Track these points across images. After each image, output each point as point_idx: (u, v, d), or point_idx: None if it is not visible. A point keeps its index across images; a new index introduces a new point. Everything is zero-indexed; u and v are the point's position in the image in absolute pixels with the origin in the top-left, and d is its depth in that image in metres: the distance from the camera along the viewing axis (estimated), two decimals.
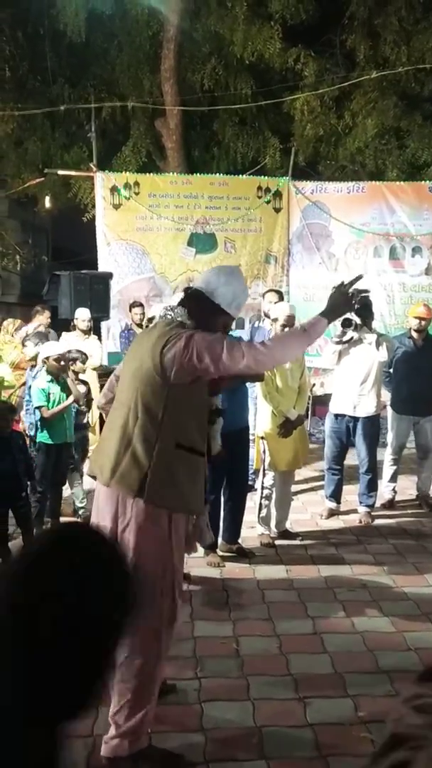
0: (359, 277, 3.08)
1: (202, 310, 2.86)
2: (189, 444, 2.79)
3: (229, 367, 2.68)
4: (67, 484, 5.95)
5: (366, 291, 2.92)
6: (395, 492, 6.56)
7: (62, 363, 5.60)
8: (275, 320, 5.47)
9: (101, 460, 2.83)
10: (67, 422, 5.61)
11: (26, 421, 6.08)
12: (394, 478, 6.56)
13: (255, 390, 6.03)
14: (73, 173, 11.36)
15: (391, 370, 6.44)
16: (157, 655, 2.78)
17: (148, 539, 2.70)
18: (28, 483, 5.22)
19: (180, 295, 3.12)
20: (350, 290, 2.98)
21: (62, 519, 5.77)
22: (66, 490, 5.93)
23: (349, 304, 3.02)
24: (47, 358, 5.61)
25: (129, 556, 2.51)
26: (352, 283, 3.00)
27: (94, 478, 2.92)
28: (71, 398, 5.57)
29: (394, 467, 6.55)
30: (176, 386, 2.71)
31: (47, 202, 13.38)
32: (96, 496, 2.88)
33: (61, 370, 5.59)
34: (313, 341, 2.96)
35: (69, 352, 5.84)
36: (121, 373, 3.04)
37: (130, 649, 2.69)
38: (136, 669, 2.72)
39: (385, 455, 6.58)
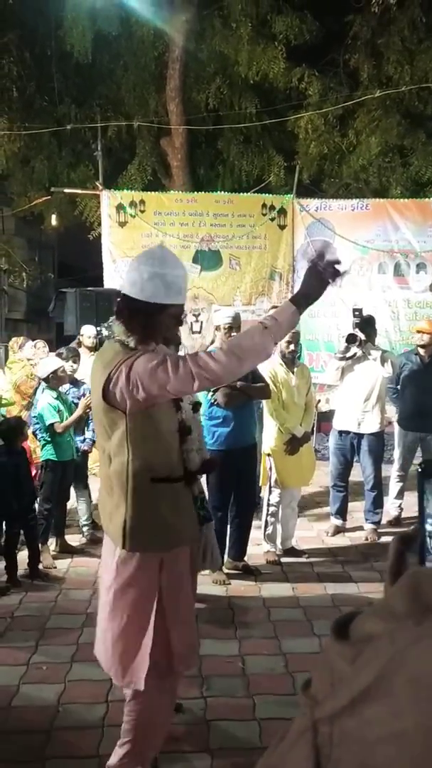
0: (328, 246, 2.79)
1: (139, 317, 2.46)
2: (165, 474, 2.54)
3: (180, 389, 2.38)
4: (74, 500, 5.95)
5: (338, 262, 2.39)
6: (401, 509, 6.54)
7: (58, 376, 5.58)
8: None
9: (100, 508, 2.73)
10: (72, 440, 5.61)
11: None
12: (400, 495, 6.53)
13: (261, 407, 6.04)
14: (79, 191, 11.45)
15: (398, 387, 6.44)
16: (159, 706, 2.68)
17: (137, 593, 2.54)
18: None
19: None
20: (321, 264, 2.43)
21: (67, 537, 5.77)
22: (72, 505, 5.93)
23: (323, 285, 2.43)
24: (47, 375, 5.63)
25: (116, 620, 2.50)
26: (321, 256, 2.44)
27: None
28: (78, 412, 5.55)
29: (401, 484, 6.53)
30: (134, 415, 2.43)
31: (53, 220, 13.51)
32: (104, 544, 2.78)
33: (59, 383, 5.59)
34: (281, 337, 2.52)
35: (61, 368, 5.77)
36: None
37: (130, 694, 2.64)
38: (135, 712, 2.64)
39: (392, 471, 6.56)
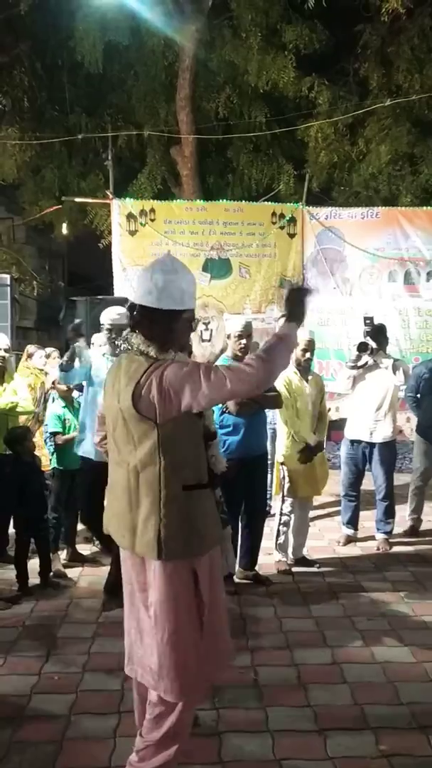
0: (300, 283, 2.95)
1: (157, 326, 2.52)
2: (195, 481, 2.58)
3: (213, 397, 2.42)
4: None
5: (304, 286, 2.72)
6: (420, 520, 6.47)
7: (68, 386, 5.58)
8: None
9: (115, 524, 2.66)
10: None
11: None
12: (419, 507, 6.47)
13: (273, 416, 6.02)
14: (89, 200, 11.49)
15: (419, 395, 6.39)
16: (195, 702, 2.73)
17: (178, 605, 2.54)
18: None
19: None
20: (296, 288, 2.68)
21: (77, 546, 5.77)
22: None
23: (304, 302, 2.63)
24: (53, 382, 5.64)
25: (159, 633, 2.51)
26: (294, 286, 2.74)
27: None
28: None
29: (419, 495, 6.47)
30: (165, 425, 2.47)
31: (64, 229, 13.54)
32: (123, 559, 2.75)
33: (68, 393, 5.59)
34: (293, 349, 2.66)
35: None
36: (106, 421, 2.73)
37: (165, 707, 2.62)
38: (172, 713, 2.62)
39: (411, 482, 6.50)
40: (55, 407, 5.61)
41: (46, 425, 5.68)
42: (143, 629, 2.64)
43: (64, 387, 5.53)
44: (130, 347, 2.58)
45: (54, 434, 5.49)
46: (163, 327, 2.51)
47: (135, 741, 2.74)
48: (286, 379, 5.32)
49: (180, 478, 2.52)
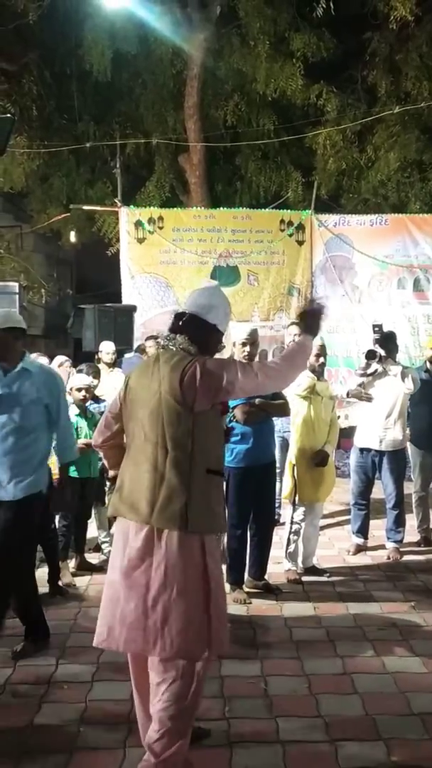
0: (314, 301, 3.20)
1: (203, 334, 2.94)
2: (216, 467, 2.88)
3: (245, 386, 2.82)
4: (93, 518, 5.93)
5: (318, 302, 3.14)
6: (431, 530, 6.41)
7: (83, 394, 5.58)
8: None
9: (132, 499, 2.81)
10: (92, 457, 5.56)
11: None
12: (426, 517, 6.40)
13: (281, 425, 6.01)
14: (97, 208, 11.54)
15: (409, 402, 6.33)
16: (200, 682, 2.77)
17: (187, 569, 2.72)
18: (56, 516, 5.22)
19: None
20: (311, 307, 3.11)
21: (86, 554, 5.75)
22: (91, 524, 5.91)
23: (319, 317, 3.06)
24: (71, 389, 5.63)
25: (168, 591, 2.64)
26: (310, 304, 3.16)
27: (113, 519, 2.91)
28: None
29: (422, 507, 6.40)
30: (199, 414, 2.78)
31: (72, 237, 13.60)
32: (122, 535, 2.83)
33: (83, 401, 5.59)
34: (309, 357, 3.13)
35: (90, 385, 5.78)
36: (130, 411, 2.95)
37: (174, 675, 2.69)
38: (180, 696, 2.69)
39: (413, 493, 6.44)
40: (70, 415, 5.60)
41: None
42: (144, 596, 2.73)
43: (79, 395, 5.53)
44: (173, 345, 2.89)
45: None
46: (205, 336, 2.95)
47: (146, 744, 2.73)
48: (310, 381, 5.27)
49: (206, 461, 2.80)
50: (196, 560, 2.75)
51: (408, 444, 6.43)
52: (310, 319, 3.06)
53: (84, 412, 5.61)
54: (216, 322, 2.97)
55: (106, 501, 6.12)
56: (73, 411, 5.56)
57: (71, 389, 5.63)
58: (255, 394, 2.97)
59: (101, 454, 3.29)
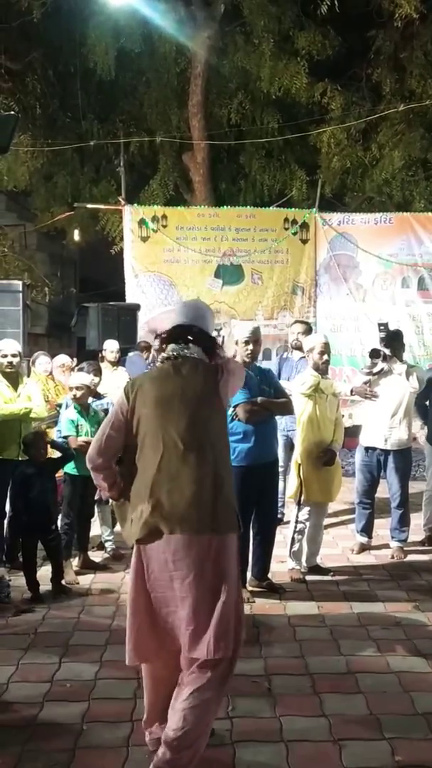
0: None
1: (210, 344, 3.11)
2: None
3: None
4: (96, 517, 5.92)
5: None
6: None
7: (81, 393, 5.57)
8: (311, 350, 5.37)
9: (179, 512, 2.77)
10: None
11: None
12: None
13: (285, 423, 5.99)
14: (101, 207, 11.54)
15: (427, 402, 6.30)
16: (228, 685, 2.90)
17: (232, 569, 2.85)
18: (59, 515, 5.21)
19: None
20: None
21: (90, 552, 5.75)
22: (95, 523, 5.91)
23: None
24: (71, 388, 5.63)
25: (228, 593, 2.78)
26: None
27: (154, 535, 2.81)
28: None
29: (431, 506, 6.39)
30: (223, 409, 3.04)
31: (76, 235, 13.60)
32: (159, 554, 2.80)
33: (82, 400, 5.57)
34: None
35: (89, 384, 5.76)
36: (154, 425, 2.87)
37: (213, 674, 2.76)
38: (212, 695, 2.79)
39: (425, 491, 6.42)
40: (69, 412, 5.59)
41: (59, 430, 5.67)
42: (209, 606, 2.78)
43: (79, 394, 5.52)
44: (188, 354, 3.02)
45: (67, 437, 5.47)
46: (212, 345, 3.13)
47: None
48: (314, 378, 5.26)
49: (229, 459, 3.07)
50: (235, 560, 2.89)
51: (425, 443, 6.41)
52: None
53: (86, 410, 5.60)
54: (211, 331, 3.20)
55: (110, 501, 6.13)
56: (75, 410, 5.56)
57: (70, 388, 5.63)
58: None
59: (97, 480, 3.08)
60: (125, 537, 3.02)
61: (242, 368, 3.10)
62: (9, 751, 3.09)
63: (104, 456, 2.99)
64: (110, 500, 6.00)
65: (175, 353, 3.02)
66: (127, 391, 2.98)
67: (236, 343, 5.00)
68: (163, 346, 3.11)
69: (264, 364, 5.88)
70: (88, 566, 5.57)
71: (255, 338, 4.91)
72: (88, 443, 5.38)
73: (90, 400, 5.93)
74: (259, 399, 4.77)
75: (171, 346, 3.06)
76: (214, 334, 3.26)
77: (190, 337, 3.07)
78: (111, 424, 2.98)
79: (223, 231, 9.81)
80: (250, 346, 4.87)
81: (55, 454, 5.41)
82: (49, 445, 5.31)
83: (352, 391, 6.07)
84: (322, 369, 5.39)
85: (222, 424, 3.02)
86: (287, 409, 5.06)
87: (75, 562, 5.54)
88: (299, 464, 5.29)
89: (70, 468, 5.46)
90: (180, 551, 2.77)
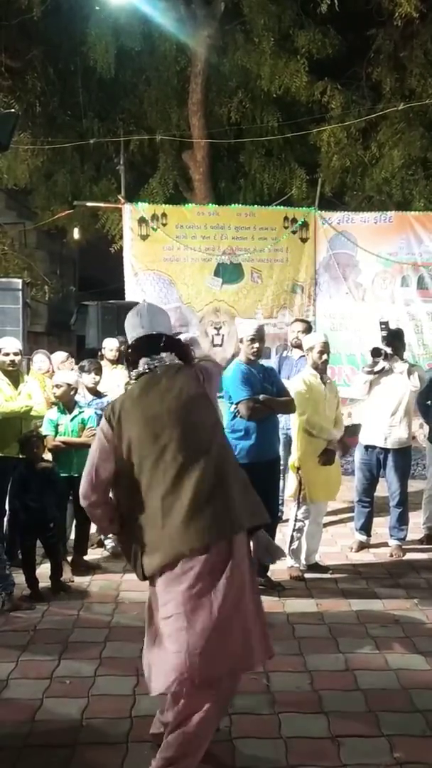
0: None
1: (180, 348, 3.05)
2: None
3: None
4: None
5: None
6: None
7: (61, 391, 5.52)
8: (311, 349, 5.41)
9: (198, 523, 2.64)
10: (76, 457, 5.36)
11: None
12: None
13: (285, 421, 5.99)
14: (101, 205, 11.53)
15: (429, 402, 6.29)
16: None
17: (247, 568, 2.79)
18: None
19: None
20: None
21: (89, 549, 5.75)
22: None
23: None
24: (53, 386, 5.62)
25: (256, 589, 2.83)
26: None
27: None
28: (79, 440, 5.43)
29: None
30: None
31: (76, 234, 13.58)
32: (193, 564, 2.66)
33: (63, 398, 5.54)
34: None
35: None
36: (146, 445, 2.74)
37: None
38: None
39: (425, 490, 6.43)
40: (50, 411, 5.57)
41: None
42: (245, 614, 2.73)
43: (59, 392, 5.50)
44: (164, 363, 2.92)
45: (44, 437, 5.42)
46: (183, 348, 3.06)
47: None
48: (306, 380, 5.29)
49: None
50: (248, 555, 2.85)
51: (425, 442, 6.42)
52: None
53: (69, 410, 5.53)
54: (171, 331, 3.15)
55: None
56: (56, 409, 5.53)
57: (54, 386, 5.61)
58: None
59: (95, 519, 2.98)
60: (146, 567, 2.73)
61: (219, 367, 3.08)
62: (10, 748, 3.10)
63: (97, 490, 2.83)
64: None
65: (149, 366, 2.89)
66: (109, 416, 2.83)
67: (241, 341, 5.04)
68: (135, 360, 2.96)
69: (263, 363, 5.87)
70: (86, 568, 5.52)
71: (260, 336, 4.95)
72: (65, 443, 5.40)
73: (90, 398, 5.93)
74: (261, 396, 4.79)
75: (143, 360, 2.91)
76: (186, 335, 3.32)
77: (161, 344, 2.96)
78: (98, 455, 2.81)
79: (222, 229, 9.80)
80: (255, 344, 4.90)
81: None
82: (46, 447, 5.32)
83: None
84: (320, 368, 5.40)
85: (215, 420, 2.95)
86: (289, 407, 5.07)
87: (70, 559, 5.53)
88: (296, 466, 5.31)
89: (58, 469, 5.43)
90: (204, 565, 2.65)
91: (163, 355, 2.94)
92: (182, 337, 3.33)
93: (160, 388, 2.83)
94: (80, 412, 5.56)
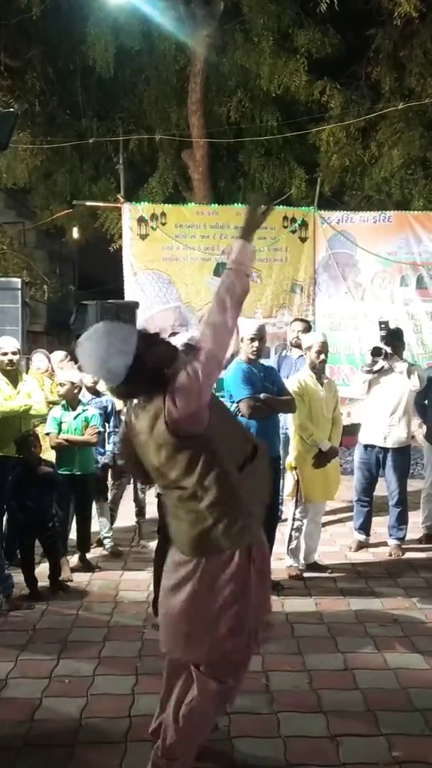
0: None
1: (147, 378, 2.60)
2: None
3: (208, 369, 2.51)
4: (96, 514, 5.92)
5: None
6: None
7: (64, 390, 5.54)
8: (309, 348, 5.42)
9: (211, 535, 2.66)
10: (79, 454, 5.47)
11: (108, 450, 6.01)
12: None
13: (285, 421, 5.99)
14: (100, 204, 11.52)
15: (426, 401, 6.29)
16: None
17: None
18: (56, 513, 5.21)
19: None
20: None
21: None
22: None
23: (260, 214, 2.88)
24: (57, 384, 5.63)
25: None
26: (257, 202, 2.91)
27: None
28: (81, 438, 5.48)
29: (430, 504, 6.36)
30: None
31: (75, 233, 13.59)
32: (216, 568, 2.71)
33: (67, 396, 5.56)
34: (247, 269, 2.77)
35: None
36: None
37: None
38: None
39: (423, 489, 6.43)
40: (55, 410, 5.59)
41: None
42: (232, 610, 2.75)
43: (62, 390, 5.52)
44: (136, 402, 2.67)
45: (47, 434, 5.45)
46: (148, 376, 2.56)
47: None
48: (301, 381, 5.30)
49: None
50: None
51: (423, 441, 6.42)
52: (250, 217, 2.84)
53: (72, 408, 5.55)
54: (136, 351, 2.54)
55: (109, 496, 6.13)
56: (60, 407, 5.54)
57: (57, 383, 5.64)
58: (221, 359, 2.50)
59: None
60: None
61: (187, 384, 2.46)
62: (9, 747, 3.10)
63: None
64: (108, 498, 6.08)
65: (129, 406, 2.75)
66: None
67: (241, 340, 5.03)
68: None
69: (264, 362, 5.88)
70: (86, 567, 5.53)
71: (260, 336, 4.95)
72: (68, 441, 5.42)
73: (90, 397, 5.94)
74: (262, 395, 4.79)
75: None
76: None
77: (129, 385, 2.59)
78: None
79: (222, 229, 9.79)
80: (256, 344, 4.90)
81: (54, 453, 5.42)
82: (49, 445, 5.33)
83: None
84: (318, 368, 5.40)
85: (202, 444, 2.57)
86: (290, 407, 5.07)
87: (74, 559, 5.53)
88: (292, 466, 5.31)
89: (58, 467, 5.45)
90: (226, 571, 2.73)
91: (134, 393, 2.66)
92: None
93: (139, 420, 2.64)
94: (84, 411, 5.58)
